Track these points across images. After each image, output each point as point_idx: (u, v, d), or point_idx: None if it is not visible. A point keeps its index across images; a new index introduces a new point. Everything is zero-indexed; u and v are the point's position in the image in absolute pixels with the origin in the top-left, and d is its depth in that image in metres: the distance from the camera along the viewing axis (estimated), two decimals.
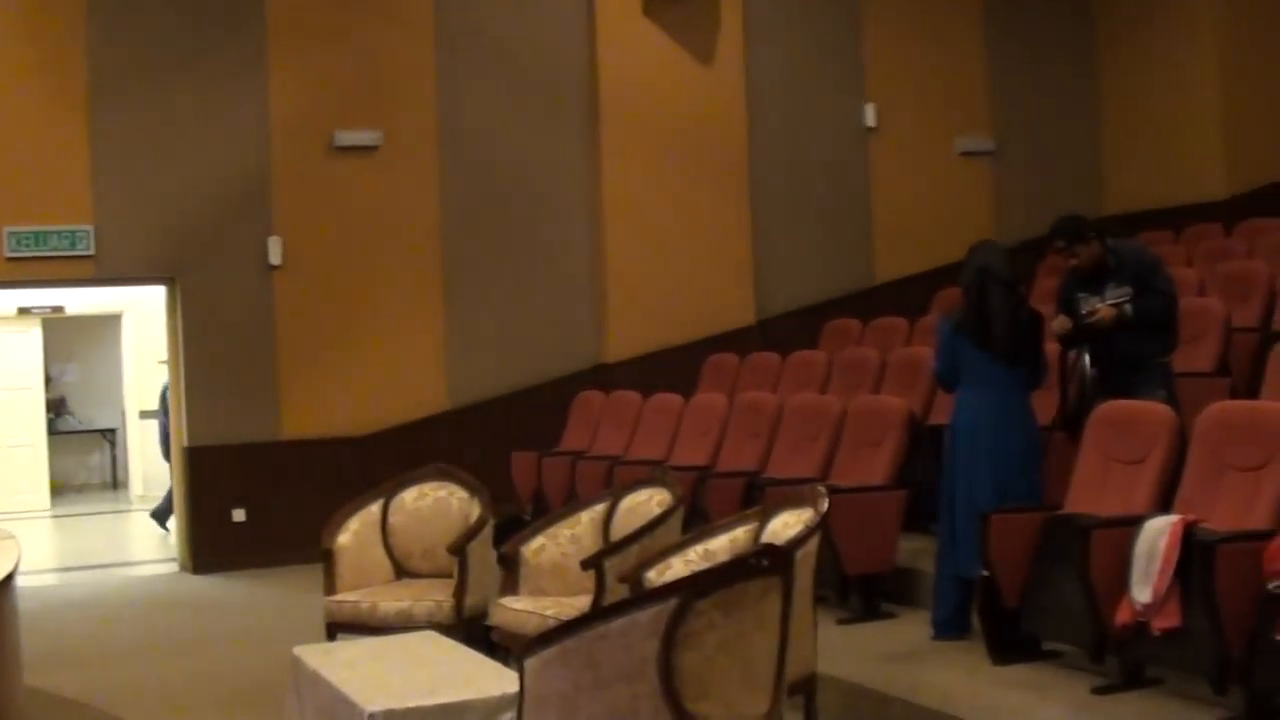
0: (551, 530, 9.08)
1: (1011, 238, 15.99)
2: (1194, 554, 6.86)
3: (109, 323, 24.34)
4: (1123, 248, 9.52)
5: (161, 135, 14.73)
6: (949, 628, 9.02)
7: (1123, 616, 7.23)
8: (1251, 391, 9.69)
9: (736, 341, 15.85)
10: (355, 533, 9.52)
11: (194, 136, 14.80)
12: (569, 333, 16.05)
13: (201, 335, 14.88)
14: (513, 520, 12.15)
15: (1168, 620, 6.99)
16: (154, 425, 19.22)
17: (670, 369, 15.51)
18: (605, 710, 5.38)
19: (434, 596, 9.03)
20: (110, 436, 26.18)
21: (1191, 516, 7.15)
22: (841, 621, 9.67)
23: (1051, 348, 9.49)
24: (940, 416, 10.68)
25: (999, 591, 8.11)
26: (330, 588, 9.29)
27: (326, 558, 9.36)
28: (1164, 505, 7.67)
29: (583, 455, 13.90)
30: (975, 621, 8.73)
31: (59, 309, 22.69)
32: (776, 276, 16.64)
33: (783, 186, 16.77)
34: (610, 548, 8.41)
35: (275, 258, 14.94)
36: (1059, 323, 9.40)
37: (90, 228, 14.49)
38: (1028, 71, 17.79)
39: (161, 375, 17.46)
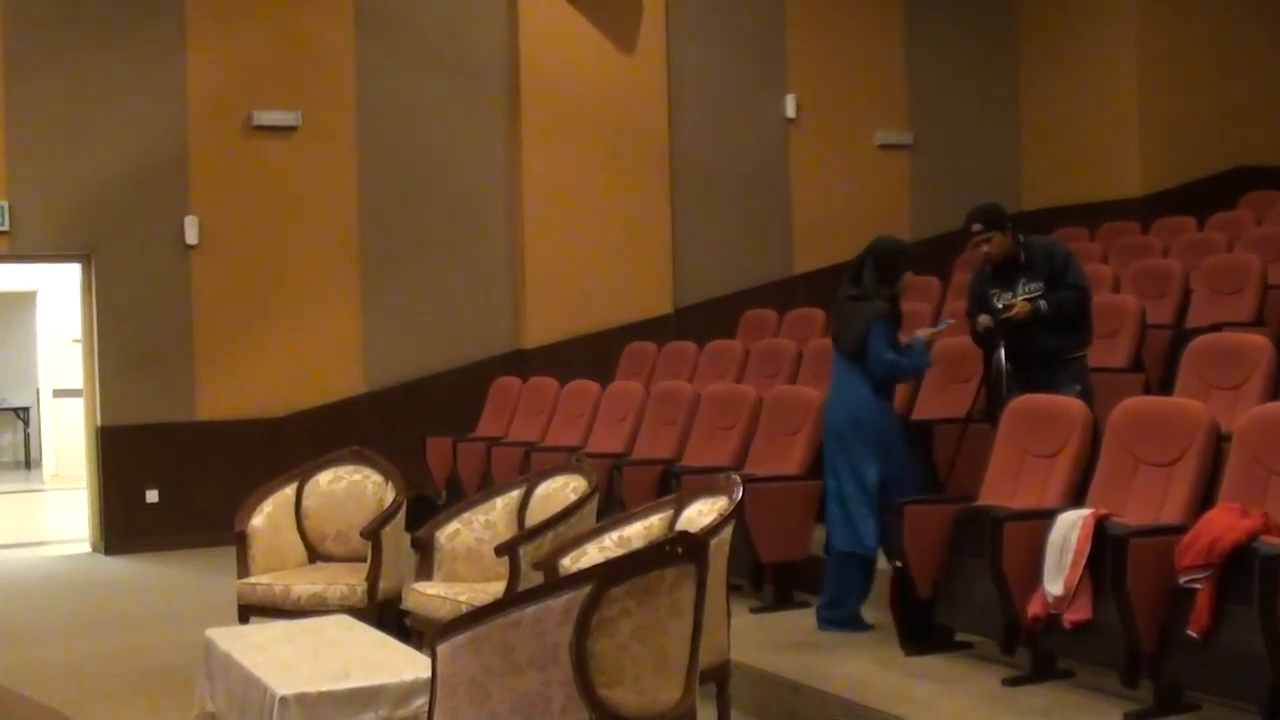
0: (466, 516, 9.04)
1: (928, 231, 16.11)
2: (1106, 548, 6.90)
3: (23, 300, 24.16)
4: (1034, 243, 9.55)
5: (78, 113, 14.60)
6: (835, 610, 9.06)
7: (1035, 609, 7.27)
8: (1165, 387, 9.77)
9: (654, 330, 15.88)
10: (269, 515, 9.45)
11: (111, 114, 14.69)
12: (486, 318, 16.01)
13: (116, 314, 14.76)
14: (420, 499, 12.14)
15: (1079, 613, 7.04)
16: (67, 404, 19.04)
17: (587, 356, 15.53)
18: (517, 696, 5.37)
19: (347, 580, 8.98)
20: (24, 415, 26.01)
21: (1104, 510, 7.19)
22: (755, 610, 9.67)
23: (965, 343, 9.55)
24: None
25: (912, 582, 8.14)
26: (243, 570, 9.23)
27: (239, 540, 9.28)
28: (1077, 499, 7.72)
29: (499, 441, 13.85)
30: (862, 609, 8.93)
31: None
32: (695, 266, 16.67)
33: (702, 176, 16.80)
34: (525, 534, 8.38)
35: (192, 237, 14.84)
36: (981, 320, 9.43)
37: (4, 204, 14.33)
38: (947, 66, 17.89)
39: (75, 354, 17.31)
